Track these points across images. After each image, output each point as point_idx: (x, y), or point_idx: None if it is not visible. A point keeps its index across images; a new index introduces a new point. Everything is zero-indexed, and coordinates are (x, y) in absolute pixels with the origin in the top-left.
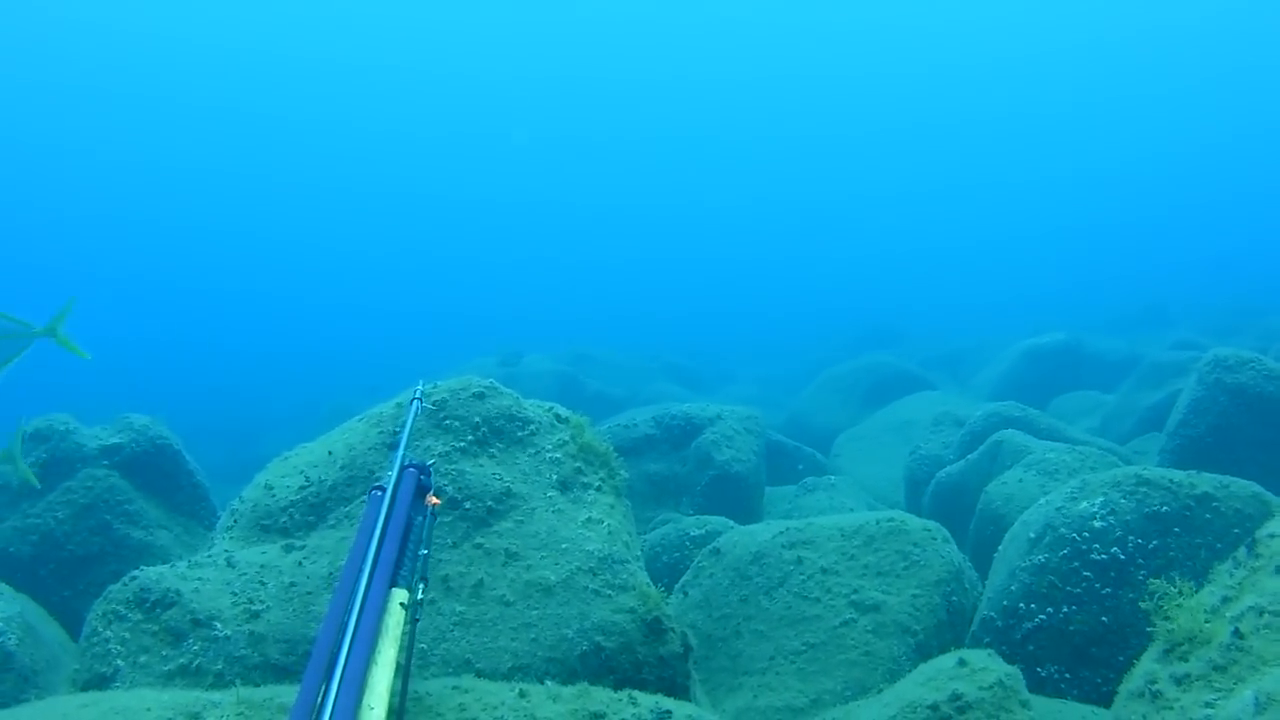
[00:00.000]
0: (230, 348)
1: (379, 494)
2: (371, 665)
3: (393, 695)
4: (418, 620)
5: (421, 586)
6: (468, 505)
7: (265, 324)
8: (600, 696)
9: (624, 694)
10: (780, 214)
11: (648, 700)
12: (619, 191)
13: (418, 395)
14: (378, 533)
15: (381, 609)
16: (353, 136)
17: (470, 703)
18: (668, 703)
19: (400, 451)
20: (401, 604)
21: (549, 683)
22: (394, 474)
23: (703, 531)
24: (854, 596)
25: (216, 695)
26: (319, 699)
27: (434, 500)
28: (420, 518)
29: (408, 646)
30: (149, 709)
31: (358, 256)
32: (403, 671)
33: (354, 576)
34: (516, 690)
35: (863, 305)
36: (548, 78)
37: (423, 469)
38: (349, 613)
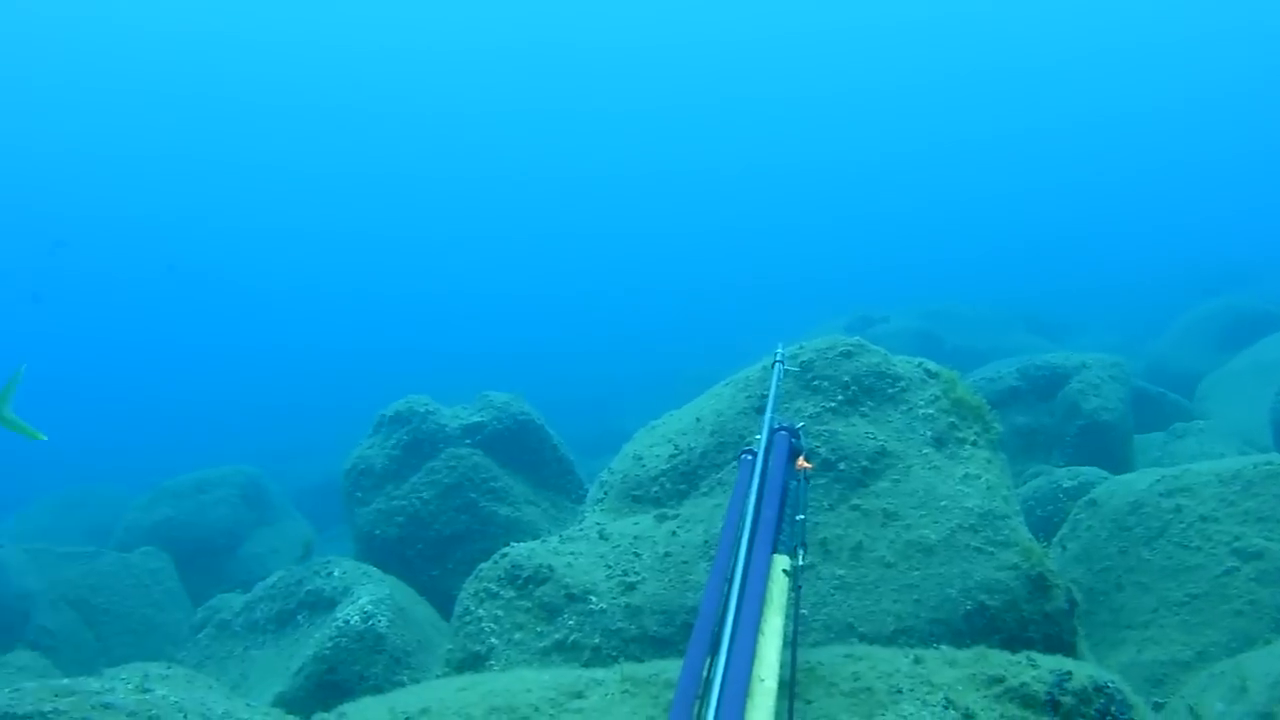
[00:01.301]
0: (582, 321)
1: (749, 458)
2: (758, 635)
3: (782, 666)
4: (800, 587)
5: (802, 552)
6: (842, 466)
7: (615, 297)
8: (998, 660)
9: (1022, 656)
10: (1119, 154)
11: (1047, 661)
12: (950, 142)
13: (779, 358)
14: (753, 498)
15: (765, 576)
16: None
17: (864, 671)
18: (1067, 663)
19: (769, 415)
20: (784, 570)
21: (943, 646)
22: (764, 437)
23: (1075, 483)
24: (1236, 544)
25: (599, 672)
26: (706, 671)
27: (805, 464)
28: (794, 482)
29: (793, 614)
30: (529, 689)
31: (705, 229)
32: (791, 641)
33: (732, 544)
34: (911, 656)
35: (1213, 244)
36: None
37: (793, 431)
38: (731, 581)
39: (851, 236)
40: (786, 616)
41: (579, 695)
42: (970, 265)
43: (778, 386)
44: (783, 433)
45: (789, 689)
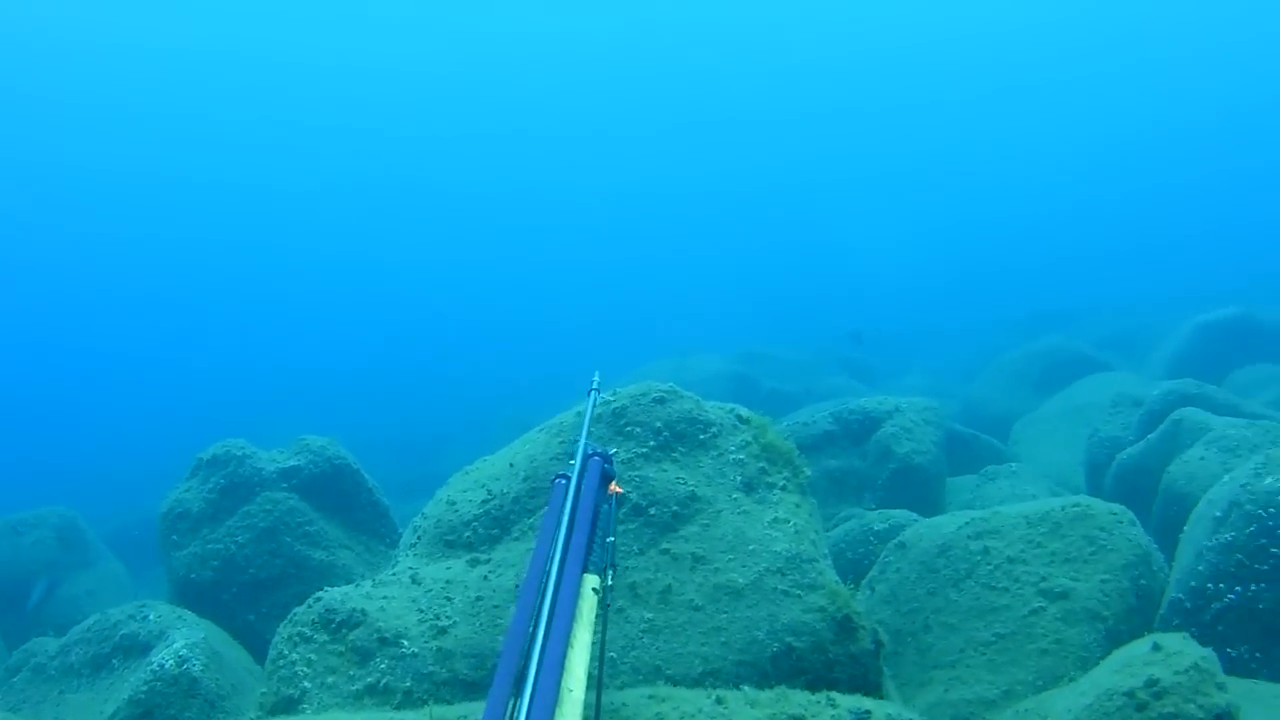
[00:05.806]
0: (400, 363)
1: (563, 482)
2: (568, 648)
3: (589, 681)
4: (609, 605)
5: (611, 572)
6: (653, 511)
7: (433, 337)
8: (798, 700)
9: (822, 696)
10: (937, 199)
11: (846, 700)
12: (767, 184)
13: (595, 386)
14: (565, 519)
15: (576, 593)
16: (500, 143)
17: (668, 711)
18: (867, 702)
19: (583, 440)
20: (594, 589)
21: (745, 687)
22: (578, 462)
23: (886, 525)
24: (1042, 585)
25: (410, 714)
26: (518, 677)
27: (617, 489)
28: (606, 505)
29: (602, 631)
30: None
31: (521, 266)
32: (598, 657)
33: (544, 562)
34: (713, 697)
35: (1029, 287)
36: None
37: (606, 457)
38: (543, 596)
39: (672, 277)
40: (595, 633)
41: None
42: (786, 307)
43: (592, 413)
44: (596, 458)
45: (596, 696)
